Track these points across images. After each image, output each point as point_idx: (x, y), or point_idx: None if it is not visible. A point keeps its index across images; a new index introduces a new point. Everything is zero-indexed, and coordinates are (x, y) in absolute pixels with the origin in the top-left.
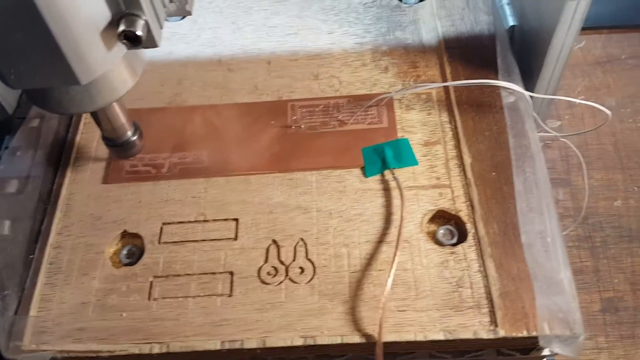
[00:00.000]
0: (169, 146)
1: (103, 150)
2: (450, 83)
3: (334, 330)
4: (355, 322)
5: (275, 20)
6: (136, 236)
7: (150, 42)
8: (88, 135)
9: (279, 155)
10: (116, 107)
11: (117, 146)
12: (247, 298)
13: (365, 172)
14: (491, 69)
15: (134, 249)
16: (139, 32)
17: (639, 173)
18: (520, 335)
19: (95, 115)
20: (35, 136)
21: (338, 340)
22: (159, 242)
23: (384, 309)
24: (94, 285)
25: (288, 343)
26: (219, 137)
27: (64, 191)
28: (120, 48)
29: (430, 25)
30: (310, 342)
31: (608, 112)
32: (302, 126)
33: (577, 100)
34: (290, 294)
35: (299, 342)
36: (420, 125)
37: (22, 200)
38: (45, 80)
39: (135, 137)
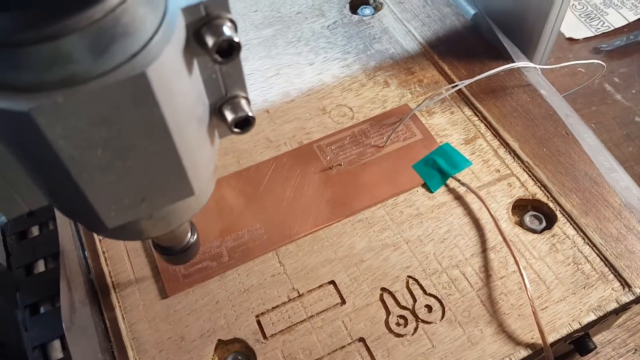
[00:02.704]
0: (216, 231)
1: (139, 264)
2: (474, 79)
3: (497, 355)
4: (512, 338)
5: (248, 66)
6: (235, 341)
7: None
8: (112, 253)
9: (336, 201)
10: None
11: (177, 253)
12: (393, 359)
13: (430, 188)
14: (484, 55)
15: (239, 356)
16: (250, 114)
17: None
18: None
19: None
20: (58, 283)
21: None
22: (265, 338)
23: (535, 312)
24: None
25: None
26: (264, 204)
27: (122, 326)
28: (217, 145)
29: (402, 30)
30: None
31: (603, 63)
32: (342, 164)
33: (584, 62)
34: (433, 337)
35: None
36: (451, 127)
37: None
38: (152, 205)
39: (195, 237)
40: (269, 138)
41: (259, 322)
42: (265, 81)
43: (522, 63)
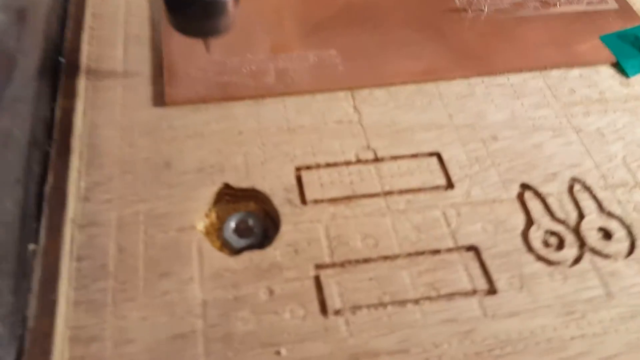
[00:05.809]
0: (268, 43)
1: (137, 55)
2: None
3: None
4: None
5: None
6: (250, 195)
7: None
8: (103, 33)
9: (466, 52)
10: None
11: (194, 8)
12: (529, 294)
13: (626, 70)
14: None
15: (250, 219)
16: None
17: None
18: None
19: None
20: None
21: None
22: (304, 202)
23: None
24: (194, 296)
25: None
26: (353, 28)
27: (77, 123)
28: None
29: None
30: None
31: None
32: (485, 9)
33: None
34: (610, 279)
35: None
36: None
37: None
38: None
39: None
40: None
41: (298, 178)
42: None
43: None
